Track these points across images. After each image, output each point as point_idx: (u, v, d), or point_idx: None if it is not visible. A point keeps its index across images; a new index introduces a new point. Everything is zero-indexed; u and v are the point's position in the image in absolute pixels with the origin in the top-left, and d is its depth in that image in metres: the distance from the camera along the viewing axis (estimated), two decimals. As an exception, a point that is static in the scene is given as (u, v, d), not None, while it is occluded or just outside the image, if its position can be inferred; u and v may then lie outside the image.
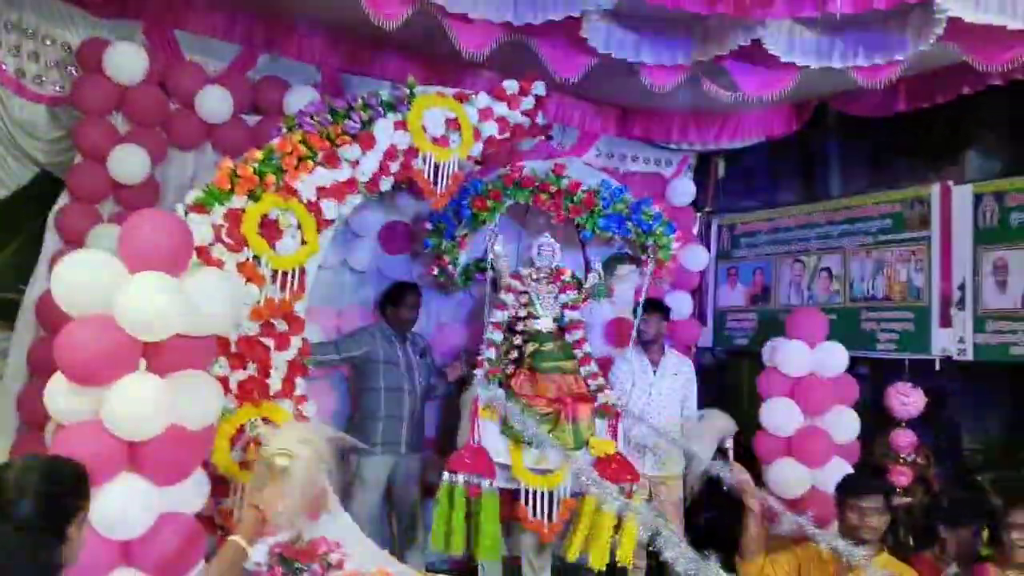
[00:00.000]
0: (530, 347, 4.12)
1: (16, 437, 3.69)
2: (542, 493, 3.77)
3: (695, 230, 5.89)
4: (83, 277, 2.47)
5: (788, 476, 4.23)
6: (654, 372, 4.59)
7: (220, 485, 3.04)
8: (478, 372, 3.98)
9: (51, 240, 3.91)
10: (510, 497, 3.83)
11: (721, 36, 3.71)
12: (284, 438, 2.30)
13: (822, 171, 5.76)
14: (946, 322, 4.50)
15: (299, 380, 3.34)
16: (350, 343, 4.26)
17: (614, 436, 4.00)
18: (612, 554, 3.76)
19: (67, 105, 4.01)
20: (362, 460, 4.19)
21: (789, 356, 4.39)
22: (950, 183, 4.62)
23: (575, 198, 4.21)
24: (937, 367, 4.53)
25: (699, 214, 5.94)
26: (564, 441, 3.80)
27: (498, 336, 4.13)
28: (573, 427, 3.89)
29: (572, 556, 3.76)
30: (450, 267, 4.37)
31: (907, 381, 4.49)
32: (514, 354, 4.15)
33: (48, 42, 3.99)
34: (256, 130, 4.20)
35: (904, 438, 4.44)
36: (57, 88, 4.04)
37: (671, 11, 3.45)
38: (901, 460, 4.42)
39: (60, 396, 2.46)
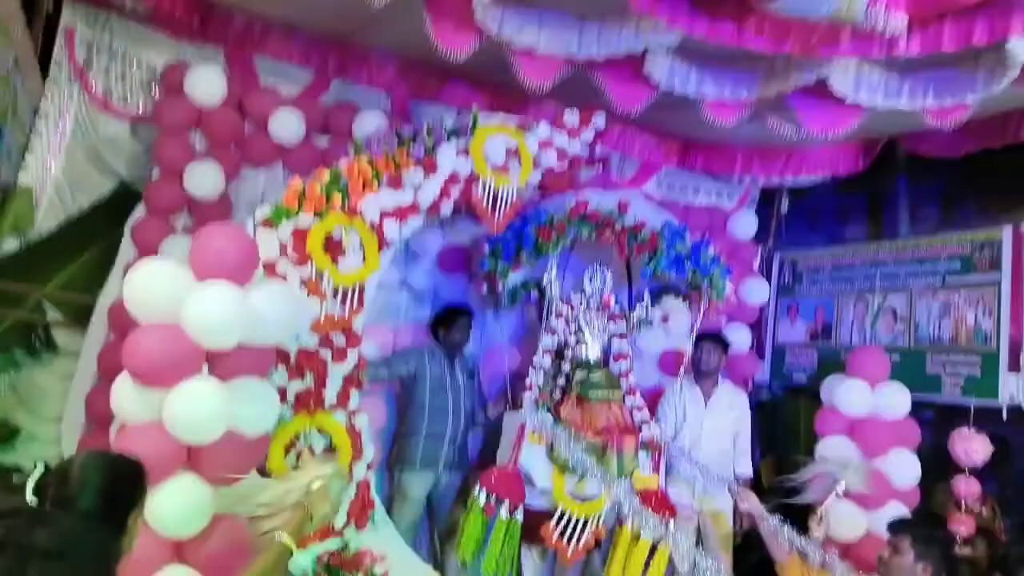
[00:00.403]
0: (578, 375, 4.15)
1: (83, 434, 3.85)
2: (576, 520, 3.76)
3: (755, 264, 5.82)
4: (153, 284, 2.59)
5: (843, 518, 4.10)
6: (706, 404, 4.54)
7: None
8: (526, 396, 4.00)
9: (126, 249, 4.09)
10: (542, 519, 3.83)
11: (786, 74, 3.71)
12: (312, 470, 2.32)
13: (889, 209, 5.66)
14: (1015, 366, 4.35)
15: (353, 393, 3.41)
16: (400, 361, 4.33)
17: (656, 470, 3.98)
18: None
19: (148, 123, 4.22)
20: (404, 475, 4.24)
21: (849, 395, 4.29)
22: (1022, 226, 4.49)
23: (639, 237, 4.23)
24: (1005, 415, 4.36)
25: (761, 248, 5.87)
26: (608, 471, 3.81)
27: (547, 361, 4.17)
28: (618, 458, 3.89)
29: None
30: (499, 287, 4.41)
31: (972, 428, 4.34)
32: (561, 380, 4.18)
33: (134, 64, 4.21)
34: (326, 152, 4.33)
35: (967, 486, 4.26)
36: (140, 106, 4.25)
37: (735, 49, 3.47)
38: (964, 509, 4.25)
39: (125, 396, 2.58)
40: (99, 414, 3.62)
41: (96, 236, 4.20)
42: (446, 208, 3.69)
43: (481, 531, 3.63)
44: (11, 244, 4.03)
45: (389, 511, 3.96)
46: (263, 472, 2.97)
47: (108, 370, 3.68)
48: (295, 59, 4.44)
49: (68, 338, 4.13)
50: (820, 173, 5.33)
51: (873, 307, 5.24)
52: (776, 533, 3.24)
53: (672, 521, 3.78)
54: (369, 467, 3.47)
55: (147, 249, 3.96)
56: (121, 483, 1.65)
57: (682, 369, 4.54)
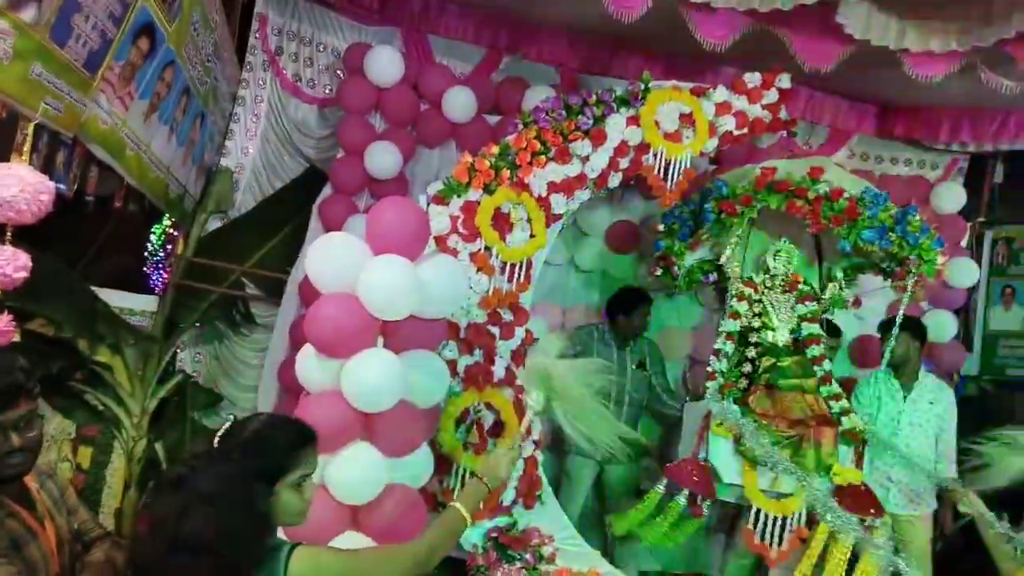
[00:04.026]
0: (765, 361, 3.83)
1: (276, 402, 4.13)
2: (774, 518, 3.50)
3: (964, 242, 5.22)
4: (332, 257, 2.69)
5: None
6: (904, 398, 4.13)
7: (443, 464, 3.17)
8: (710, 384, 3.78)
9: (315, 227, 4.33)
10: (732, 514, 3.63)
11: (1007, 17, 3.25)
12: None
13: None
14: None
15: (520, 370, 3.41)
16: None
17: (858, 465, 3.66)
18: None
19: (334, 106, 4.43)
20: (568, 457, 4.19)
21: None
22: None
23: (836, 206, 3.82)
24: None
25: (970, 224, 5.27)
26: (804, 466, 3.53)
27: (730, 347, 3.88)
28: (815, 452, 3.59)
29: None
30: (675, 268, 4.17)
31: None
32: (747, 368, 3.87)
33: (320, 48, 4.43)
34: (496, 129, 4.35)
35: None
36: (327, 90, 4.47)
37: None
38: None
39: (308, 366, 2.70)
40: (290, 383, 3.86)
41: (289, 215, 4.48)
42: (614, 180, 3.56)
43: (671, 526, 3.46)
44: (213, 224, 4.38)
45: (557, 494, 3.92)
46: (434, 444, 3.05)
47: (298, 342, 3.92)
48: (468, 37, 4.50)
49: (264, 311, 4.45)
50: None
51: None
52: (1004, 539, 2.86)
53: (878, 521, 3.48)
54: (537, 445, 3.45)
55: (333, 226, 4.15)
56: (275, 444, 1.71)
57: (883, 359, 4.11)
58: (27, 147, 2.33)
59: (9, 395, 1.73)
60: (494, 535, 3.11)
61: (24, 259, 2.36)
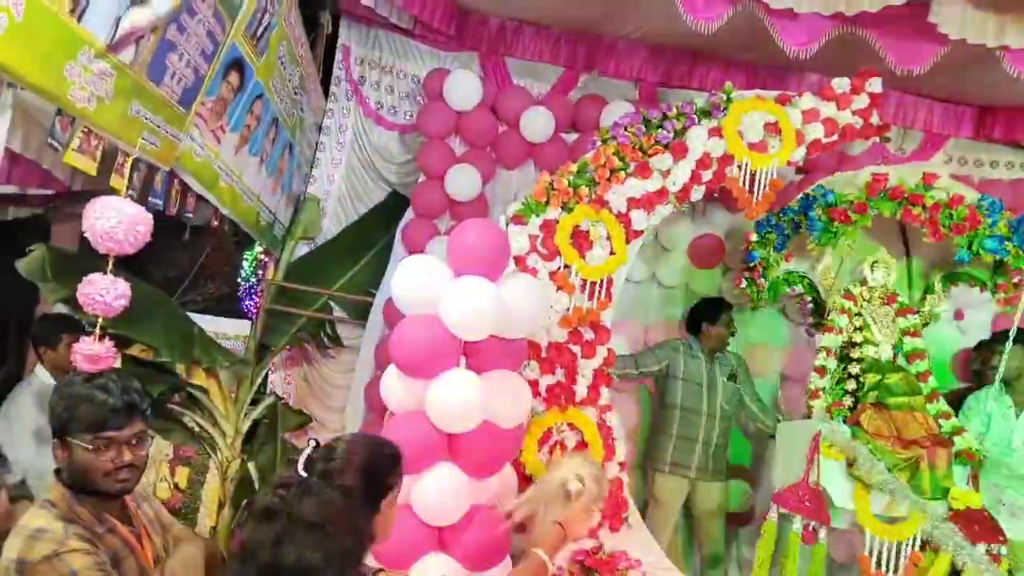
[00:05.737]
0: (871, 378, 3.66)
1: (363, 423, 4.19)
2: (888, 545, 3.34)
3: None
4: (415, 279, 2.72)
5: None
6: (1017, 416, 3.87)
7: (527, 485, 3.13)
8: (815, 404, 3.65)
9: (398, 250, 4.40)
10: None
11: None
12: (572, 465, 2.29)
13: None
14: None
15: (603, 389, 3.35)
16: (650, 356, 4.18)
17: (975, 487, 3.48)
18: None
19: (414, 132, 4.51)
20: (656, 478, 4.09)
21: None
22: None
23: (956, 214, 3.68)
24: None
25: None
26: (921, 490, 3.37)
27: (832, 363, 3.74)
28: (932, 474, 3.41)
29: None
30: (760, 279, 4.04)
31: None
32: (851, 385, 3.72)
33: (401, 75, 4.53)
34: (574, 147, 4.34)
35: None
36: (407, 117, 4.56)
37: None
38: None
39: (392, 386, 2.73)
40: (376, 404, 3.91)
41: (373, 239, 4.57)
42: (697, 194, 3.49)
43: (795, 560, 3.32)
44: (301, 249, 4.51)
45: (644, 516, 3.83)
46: (517, 464, 3.02)
47: (383, 363, 3.97)
48: (545, 57, 4.51)
49: (351, 334, 4.53)
50: None
51: None
52: None
53: (1002, 551, 3.28)
54: (621, 466, 3.38)
55: (415, 249, 4.23)
56: (380, 465, 1.71)
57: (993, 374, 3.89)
58: (125, 177, 2.44)
59: (126, 413, 1.86)
60: (580, 558, 3.05)
61: (123, 288, 2.47)
